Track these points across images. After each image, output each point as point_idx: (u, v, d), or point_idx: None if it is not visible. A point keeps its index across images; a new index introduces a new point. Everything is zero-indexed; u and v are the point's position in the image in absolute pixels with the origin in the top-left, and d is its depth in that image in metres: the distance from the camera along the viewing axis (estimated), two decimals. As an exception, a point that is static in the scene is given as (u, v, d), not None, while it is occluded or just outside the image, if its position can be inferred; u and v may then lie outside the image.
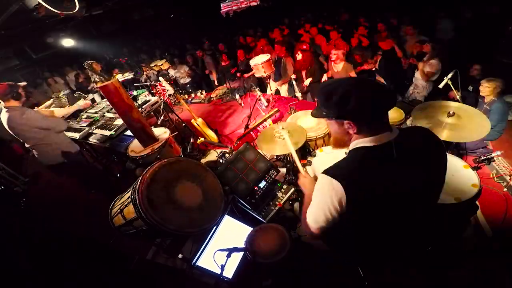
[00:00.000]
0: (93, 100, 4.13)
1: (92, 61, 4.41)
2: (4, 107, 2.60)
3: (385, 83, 4.32)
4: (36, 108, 3.74)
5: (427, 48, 3.88)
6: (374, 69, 4.42)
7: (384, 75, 4.38)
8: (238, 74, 5.57)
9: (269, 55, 4.13)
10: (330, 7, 7.53)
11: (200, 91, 5.57)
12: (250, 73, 5.14)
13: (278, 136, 2.42)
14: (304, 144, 2.42)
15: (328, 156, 2.37)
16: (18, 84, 2.68)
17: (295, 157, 1.65)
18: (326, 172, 0.96)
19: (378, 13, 5.97)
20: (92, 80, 4.73)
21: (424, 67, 3.78)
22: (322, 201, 0.98)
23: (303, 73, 4.47)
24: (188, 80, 6.07)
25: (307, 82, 4.34)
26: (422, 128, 1.06)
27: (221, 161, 2.58)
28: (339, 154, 1.09)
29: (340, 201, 0.93)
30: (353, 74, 4.03)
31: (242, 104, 4.48)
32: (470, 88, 3.31)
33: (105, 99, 3.81)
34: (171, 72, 5.54)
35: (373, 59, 4.45)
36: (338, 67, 4.03)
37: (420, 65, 3.84)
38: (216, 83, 6.12)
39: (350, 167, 0.96)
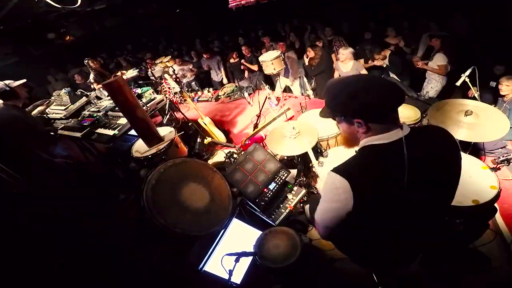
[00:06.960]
0: (98, 98, 4.06)
1: (88, 58, 4.32)
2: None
3: (398, 79, 4.19)
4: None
5: (435, 42, 3.75)
6: (385, 65, 4.30)
7: (396, 71, 4.26)
8: (247, 73, 5.43)
9: (279, 51, 4.02)
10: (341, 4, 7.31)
11: (207, 89, 5.46)
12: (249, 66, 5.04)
13: (289, 135, 2.33)
14: (316, 145, 2.34)
15: (340, 156, 2.29)
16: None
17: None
18: (335, 170, 0.95)
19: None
20: (89, 79, 4.64)
21: (433, 63, 3.69)
22: (330, 199, 0.98)
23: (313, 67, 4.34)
24: (192, 78, 5.96)
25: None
26: (437, 127, 1.03)
27: (229, 161, 2.51)
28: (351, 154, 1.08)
29: (347, 200, 0.92)
30: (364, 72, 3.91)
31: (251, 103, 4.37)
32: (493, 84, 3.18)
33: (108, 97, 3.73)
34: (176, 68, 5.41)
35: (380, 54, 4.31)
36: (347, 67, 3.92)
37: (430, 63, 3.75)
38: (225, 80, 5.99)
39: (359, 165, 0.95)
